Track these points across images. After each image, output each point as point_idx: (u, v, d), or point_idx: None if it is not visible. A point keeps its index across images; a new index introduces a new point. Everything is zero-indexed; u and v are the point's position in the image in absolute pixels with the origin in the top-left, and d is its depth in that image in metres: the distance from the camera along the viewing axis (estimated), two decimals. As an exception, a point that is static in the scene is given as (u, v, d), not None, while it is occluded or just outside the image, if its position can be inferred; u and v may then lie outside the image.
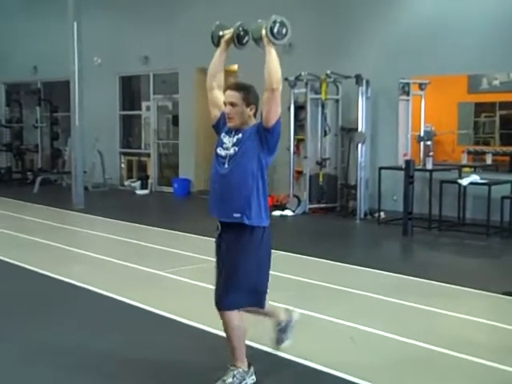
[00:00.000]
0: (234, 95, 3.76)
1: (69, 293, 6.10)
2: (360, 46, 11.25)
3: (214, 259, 3.95)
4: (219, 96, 3.95)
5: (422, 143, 10.57)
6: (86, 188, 12.88)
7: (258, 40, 3.80)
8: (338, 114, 11.35)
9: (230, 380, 3.77)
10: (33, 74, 17.04)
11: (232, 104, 3.76)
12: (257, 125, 3.76)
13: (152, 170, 14.96)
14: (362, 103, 10.60)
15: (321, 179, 11.16)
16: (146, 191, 14.59)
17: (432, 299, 5.75)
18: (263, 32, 3.71)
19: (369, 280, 6.64)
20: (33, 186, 14.53)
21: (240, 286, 3.73)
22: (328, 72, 10.87)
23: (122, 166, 15.79)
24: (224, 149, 3.82)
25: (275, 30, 3.68)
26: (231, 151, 3.77)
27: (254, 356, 4.00)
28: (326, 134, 11.30)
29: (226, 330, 3.81)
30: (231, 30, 3.98)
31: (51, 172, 16.26)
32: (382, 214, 10.17)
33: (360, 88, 10.54)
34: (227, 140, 3.82)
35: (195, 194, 13.75)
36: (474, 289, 6.08)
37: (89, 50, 13.04)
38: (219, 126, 3.95)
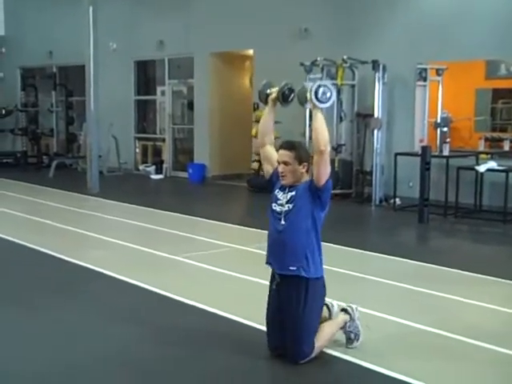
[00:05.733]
0: (286, 154, 3.97)
1: (85, 277, 6.12)
2: (377, 31, 11.14)
3: (266, 304, 4.14)
4: (271, 152, 4.18)
5: (438, 129, 10.51)
6: (100, 172, 12.90)
7: (303, 103, 4.08)
8: (354, 99, 11.27)
9: (351, 336, 4.16)
10: (48, 58, 17.04)
11: (285, 163, 3.96)
12: (309, 183, 3.97)
13: (167, 155, 14.97)
14: (378, 89, 10.51)
15: (336, 165, 11.11)
16: (160, 176, 14.62)
17: (448, 286, 5.72)
18: (308, 96, 3.96)
19: (385, 266, 6.62)
20: (48, 170, 14.60)
21: (310, 334, 3.93)
22: (344, 57, 10.80)
23: (137, 150, 15.80)
24: (279, 205, 4.01)
25: (320, 95, 3.91)
26: (286, 208, 3.97)
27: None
28: (341, 120, 11.23)
29: None
30: (277, 89, 4.16)
31: (66, 156, 16.33)
32: (398, 200, 10.12)
33: (376, 73, 10.45)
34: (281, 196, 4.02)
35: (210, 179, 13.75)
36: (491, 276, 6.04)
37: (104, 35, 13.02)
38: (272, 181, 4.14)
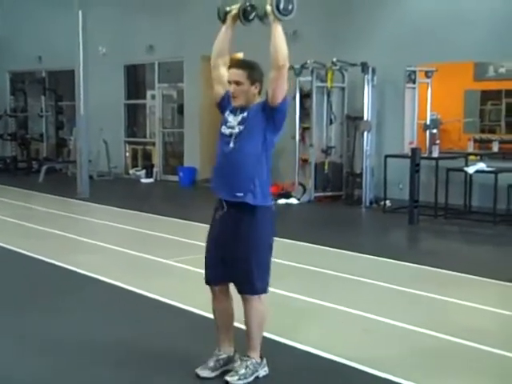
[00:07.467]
0: (238, 73, 3.68)
1: (75, 281, 6.10)
2: (366, 33, 11.18)
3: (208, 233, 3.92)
4: (224, 74, 3.83)
5: (427, 131, 10.53)
6: (91, 177, 12.87)
7: (262, 17, 3.72)
8: (344, 102, 11.31)
9: (242, 371, 3.71)
10: (37, 63, 17.01)
11: (237, 83, 3.67)
12: (262, 103, 3.69)
13: (157, 159, 14.95)
14: (367, 91, 10.55)
15: (326, 167, 11.13)
16: (150, 180, 14.59)
17: (439, 287, 5.74)
18: (268, 8, 3.62)
19: (375, 268, 6.63)
20: (38, 175, 14.54)
21: (262, 268, 3.70)
22: (334, 60, 10.82)
23: (127, 154, 15.78)
24: (228, 127, 3.75)
25: (281, 6, 3.59)
26: (236, 130, 3.70)
27: (266, 346, 3.97)
28: (331, 123, 11.27)
29: (246, 316, 3.73)
30: (238, 6, 3.85)
31: (56, 161, 16.27)
32: (388, 202, 10.14)
33: (366, 76, 10.49)
34: (232, 119, 3.75)
35: (200, 182, 13.73)
36: (482, 277, 6.07)
37: (94, 39, 13.01)
38: (223, 105, 3.87)
